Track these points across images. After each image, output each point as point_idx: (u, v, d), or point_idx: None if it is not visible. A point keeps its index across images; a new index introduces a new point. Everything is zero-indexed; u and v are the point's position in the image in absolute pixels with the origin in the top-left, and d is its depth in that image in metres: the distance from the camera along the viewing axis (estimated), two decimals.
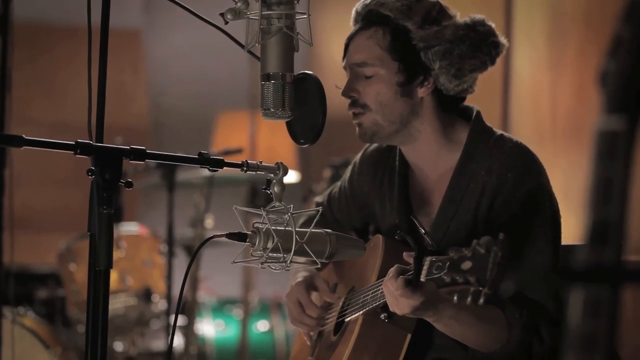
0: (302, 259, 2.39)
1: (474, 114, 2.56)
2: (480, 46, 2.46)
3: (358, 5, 2.54)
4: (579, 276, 1.15)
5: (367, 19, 2.53)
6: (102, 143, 2.14)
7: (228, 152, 4.38)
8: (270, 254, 2.27)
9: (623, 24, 1.17)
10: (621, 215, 1.15)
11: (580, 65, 4.08)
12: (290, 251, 2.26)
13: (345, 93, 2.53)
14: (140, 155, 2.11)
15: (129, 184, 2.12)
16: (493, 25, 2.50)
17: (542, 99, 4.34)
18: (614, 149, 1.15)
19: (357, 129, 2.54)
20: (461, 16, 2.55)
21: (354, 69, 2.53)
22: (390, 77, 2.49)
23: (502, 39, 2.50)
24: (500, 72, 4.47)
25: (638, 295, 3.60)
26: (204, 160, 2.23)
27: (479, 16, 2.50)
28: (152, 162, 3.71)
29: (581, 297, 1.15)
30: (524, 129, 4.40)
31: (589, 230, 1.15)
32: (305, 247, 2.29)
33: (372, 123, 2.51)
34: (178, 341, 5.32)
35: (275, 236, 2.25)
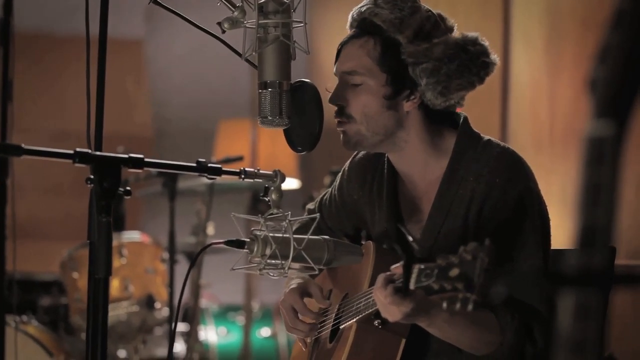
0: (300, 266, 2.41)
1: (461, 120, 2.56)
2: (469, 66, 2.45)
3: (354, 11, 2.54)
4: (568, 280, 1.17)
5: (361, 27, 2.52)
6: (101, 151, 2.15)
7: (229, 160, 4.40)
8: (268, 261, 2.28)
9: (611, 31, 1.19)
10: (610, 219, 1.16)
11: (578, 70, 4.09)
12: (288, 258, 2.27)
13: (332, 100, 2.53)
14: (139, 163, 2.12)
15: (128, 193, 2.14)
16: (486, 44, 2.49)
17: (541, 105, 4.35)
18: (602, 154, 1.17)
19: (341, 136, 2.54)
20: (457, 24, 2.54)
21: (344, 77, 2.53)
22: (378, 88, 2.49)
23: (494, 58, 2.48)
24: (498, 79, 4.48)
25: (637, 299, 3.61)
26: (202, 168, 2.24)
27: (472, 34, 2.49)
28: (153, 170, 3.72)
29: (571, 300, 1.16)
30: (523, 135, 4.41)
31: (579, 234, 1.16)
32: (303, 253, 2.30)
33: (355, 133, 2.51)
34: (181, 348, 5.34)
35: (273, 243, 2.26)
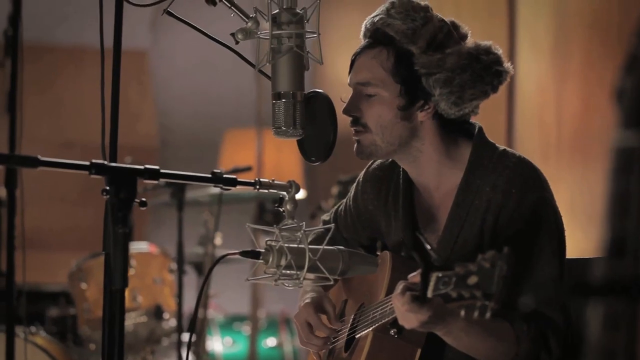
0: (315, 276, 2.41)
1: (476, 130, 2.57)
2: (483, 76, 2.46)
3: (367, 21, 2.54)
4: (597, 290, 1.17)
5: (374, 37, 2.53)
6: (116, 162, 2.15)
7: (237, 170, 4.40)
8: (283, 271, 2.28)
9: (637, 42, 1.19)
10: (638, 229, 1.16)
11: (586, 75, 4.09)
12: (304, 268, 2.27)
13: (346, 111, 2.53)
14: (155, 174, 2.12)
15: (144, 204, 2.13)
16: (499, 52, 2.50)
17: (548, 111, 4.34)
18: (630, 164, 1.17)
19: (355, 145, 2.54)
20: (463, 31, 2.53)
21: (357, 88, 2.53)
22: (392, 99, 2.49)
23: (507, 67, 2.50)
24: (504, 86, 4.47)
25: None
26: (217, 179, 2.24)
27: (485, 43, 2.49)
28: (161, 180, 3.72)
29: (600, 311, 1.16)
30: (529, 143, 4.40)
31: (607, 244, 1.16)
32: (318, 264, 2.31)
33: (370, 143, 2.52)
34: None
35: (288, 253, 2.26)
